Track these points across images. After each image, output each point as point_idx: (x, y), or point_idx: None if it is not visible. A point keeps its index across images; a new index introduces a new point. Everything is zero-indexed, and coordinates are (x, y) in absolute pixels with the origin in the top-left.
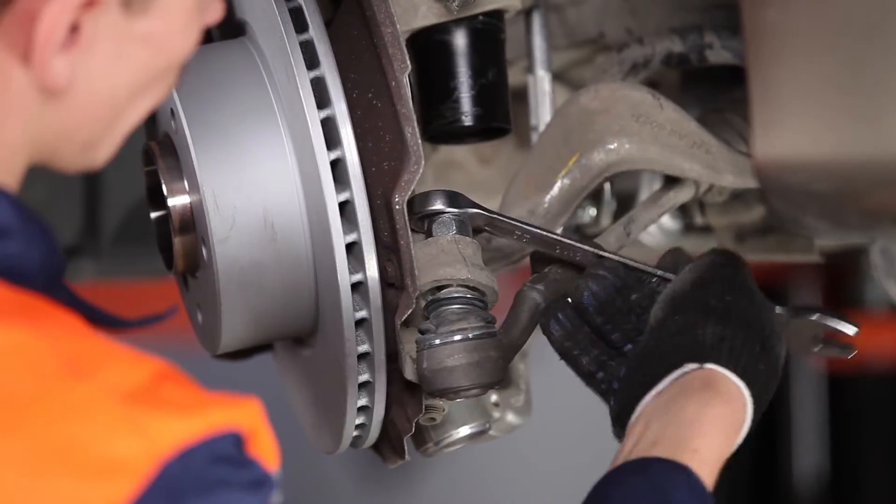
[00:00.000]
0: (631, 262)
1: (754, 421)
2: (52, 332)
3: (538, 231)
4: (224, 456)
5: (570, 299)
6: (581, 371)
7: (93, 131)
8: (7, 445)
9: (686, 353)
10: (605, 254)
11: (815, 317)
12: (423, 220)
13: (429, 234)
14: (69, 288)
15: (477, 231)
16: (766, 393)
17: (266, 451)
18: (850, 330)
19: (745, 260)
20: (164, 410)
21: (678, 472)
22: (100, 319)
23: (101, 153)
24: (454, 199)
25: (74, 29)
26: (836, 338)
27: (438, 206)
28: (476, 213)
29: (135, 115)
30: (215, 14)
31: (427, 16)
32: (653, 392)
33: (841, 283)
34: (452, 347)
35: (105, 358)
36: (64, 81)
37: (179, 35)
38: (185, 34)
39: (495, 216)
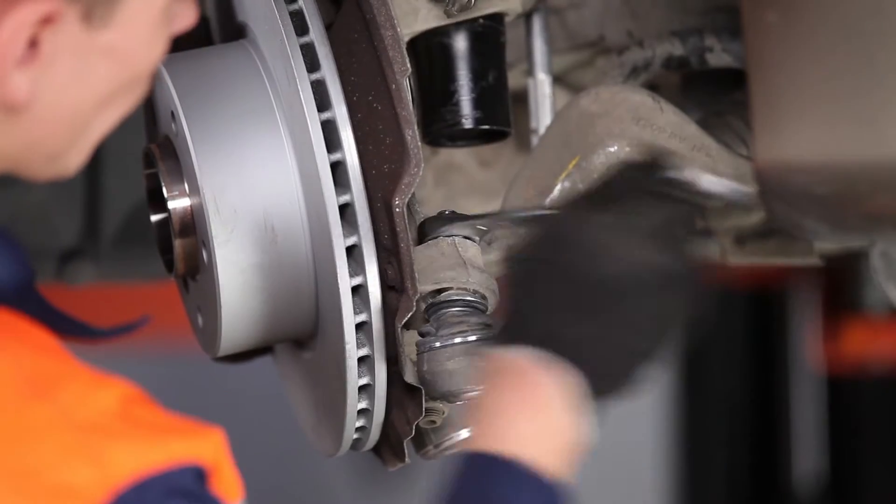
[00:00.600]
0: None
1: (605, 381)
2: (13, 348)
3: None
4: (182, 490)
5: None
6: None
7: (58, 143)
8: None
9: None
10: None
11: None
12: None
13: (429, 237)
14: (41, 296)
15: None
16: (594, 349)
17: (228, 488)
18: None
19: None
20: (123, 438)
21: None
22: (72, 330)
23: (71, 163)
24: (459, 217)
25: (33, 44)
26: None
27: (448, 231)
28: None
29: (103, 125)
30: (186, 21)
31: (427, 19)
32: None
33: (841, 286)
34: (452, 350)
35: (66, 379)
36: (23, 96)
37: (144, 46)
38: (150, 45)
39: (490, 216)
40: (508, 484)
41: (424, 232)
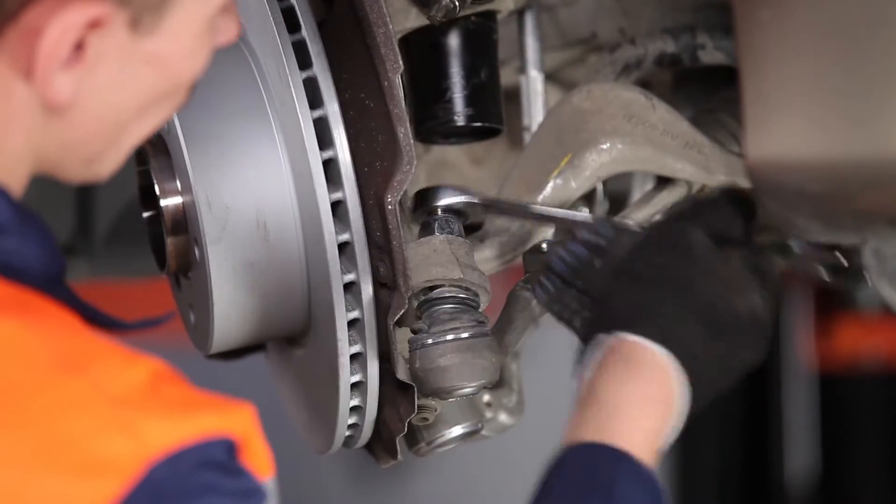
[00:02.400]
0: (619, 223)
1: (701, 397)
2: (47, 326)
3: (539, 208)
4: (214, 462)
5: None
6: (574, 331)
7: (96, 147)
8: None
9: (601, 323)
10: (581, 216)
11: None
12: (432, 216)
13: (421, 233)
14: (69, 288)
15: (474, 228)
16: (710, 366)
17: (259, 461)
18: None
19: (731, 207)
20: (155, 411)
21: (617, 460)
22: (98, 321)
23: (105, 167)
24: (462, 190)
25: (79, 47)
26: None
27: (450, 199)
28: (483, 198)
29: (140, 132)
30: (229, 34)
31: (419, 16)
32: (586, 368)
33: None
34: (445, 347)
35: (99, 355)
36: (66, 98)
37: (187, 57)
38: (194, 56)
39: (499, 200)
40: (633, 483)
41: (422, 201)
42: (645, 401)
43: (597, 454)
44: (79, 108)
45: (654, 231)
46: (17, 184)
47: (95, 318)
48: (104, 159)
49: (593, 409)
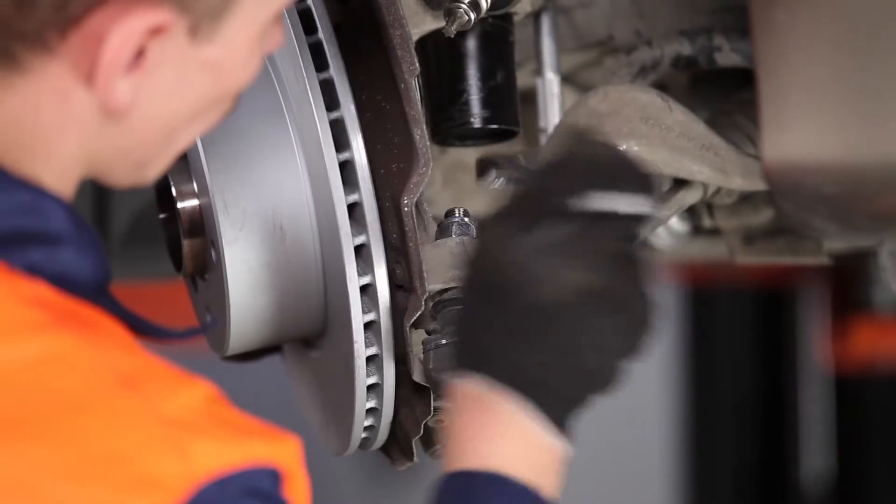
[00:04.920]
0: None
1: (563, 404)
2: (102, 342)
3: None
4: (258, 490)
5: None
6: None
7: (147, 151)
8: (48, 451)
9: (458, 360)
10: None
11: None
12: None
13: (438, 235)
14: (114, 297)
15: None
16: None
17: (300, 495)
18: None
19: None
20: (207, 434)
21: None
22: (143, 329)
23: (153, 171)
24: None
25: (140, 53)
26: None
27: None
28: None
29: (188, 138)
30: (275, 42)
31: (436, 19)
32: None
33: (849, 285)
34: None
35: (153, 374)
36: (125, 103)
37: (241, 64)
38: (247, 63)
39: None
40: (489, 493)
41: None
42: (483, 430)
43: (453, 483)
44: (135, 113)
45: (474, 260)
46: (68, 190)
47: (142, 328)
48: (152, 164)
49: (444, 447)
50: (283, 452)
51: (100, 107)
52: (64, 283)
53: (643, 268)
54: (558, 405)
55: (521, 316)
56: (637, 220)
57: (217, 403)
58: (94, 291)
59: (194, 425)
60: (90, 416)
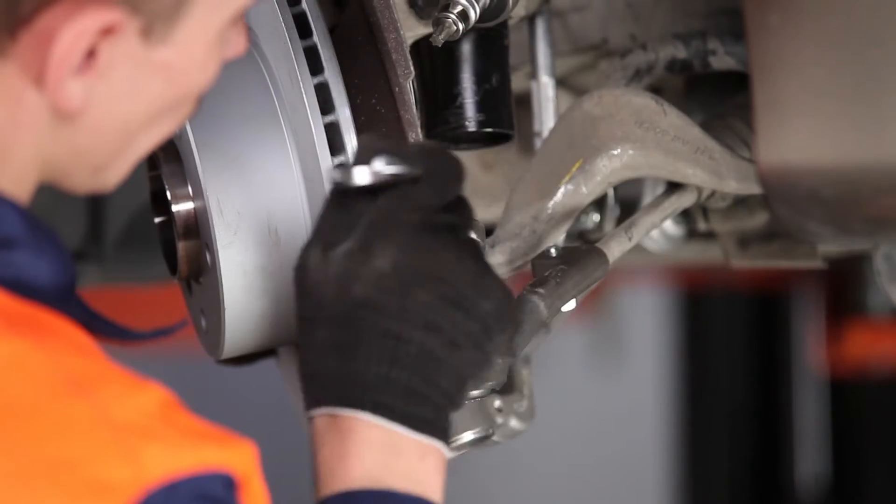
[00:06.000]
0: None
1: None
2: (54, 346)
3: None
4: (210, 496)
5: None
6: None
7: (104, 155)
8: None
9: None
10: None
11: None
12: None
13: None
14: (80, 299)
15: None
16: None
17: (256, 502)
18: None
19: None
20: (157, 439)
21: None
22: (110, 332)
23: (112, 177)
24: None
25: (91, 54)
26: None
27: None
28: None
29: (147, 142)
30: (237, 48)
31: (428, 25)
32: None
33: (844, 289)
34: None
35: (106, 379)
36: (76, 105)
37: (198, 67)
38: (204, 66)
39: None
40: None
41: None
42: (346, 456)
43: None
44: (88, 115)
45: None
46: (24, 193)
47: (108, 330)
48: (111, 169)
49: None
50: (238, 458)
51: (52, 108)
52: (19, 287)
53: (451, 235)
54: (411, 401)
55: (340, 327)
56: (415, 182)
57: (171, 408)
58: (56, 294)
59: (146, 430)
60: (39, 422)
